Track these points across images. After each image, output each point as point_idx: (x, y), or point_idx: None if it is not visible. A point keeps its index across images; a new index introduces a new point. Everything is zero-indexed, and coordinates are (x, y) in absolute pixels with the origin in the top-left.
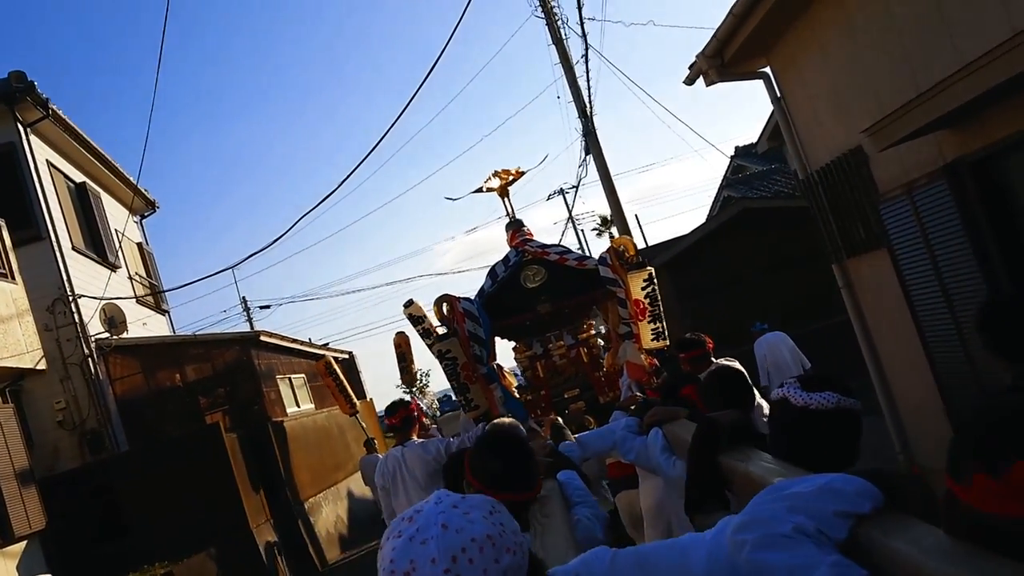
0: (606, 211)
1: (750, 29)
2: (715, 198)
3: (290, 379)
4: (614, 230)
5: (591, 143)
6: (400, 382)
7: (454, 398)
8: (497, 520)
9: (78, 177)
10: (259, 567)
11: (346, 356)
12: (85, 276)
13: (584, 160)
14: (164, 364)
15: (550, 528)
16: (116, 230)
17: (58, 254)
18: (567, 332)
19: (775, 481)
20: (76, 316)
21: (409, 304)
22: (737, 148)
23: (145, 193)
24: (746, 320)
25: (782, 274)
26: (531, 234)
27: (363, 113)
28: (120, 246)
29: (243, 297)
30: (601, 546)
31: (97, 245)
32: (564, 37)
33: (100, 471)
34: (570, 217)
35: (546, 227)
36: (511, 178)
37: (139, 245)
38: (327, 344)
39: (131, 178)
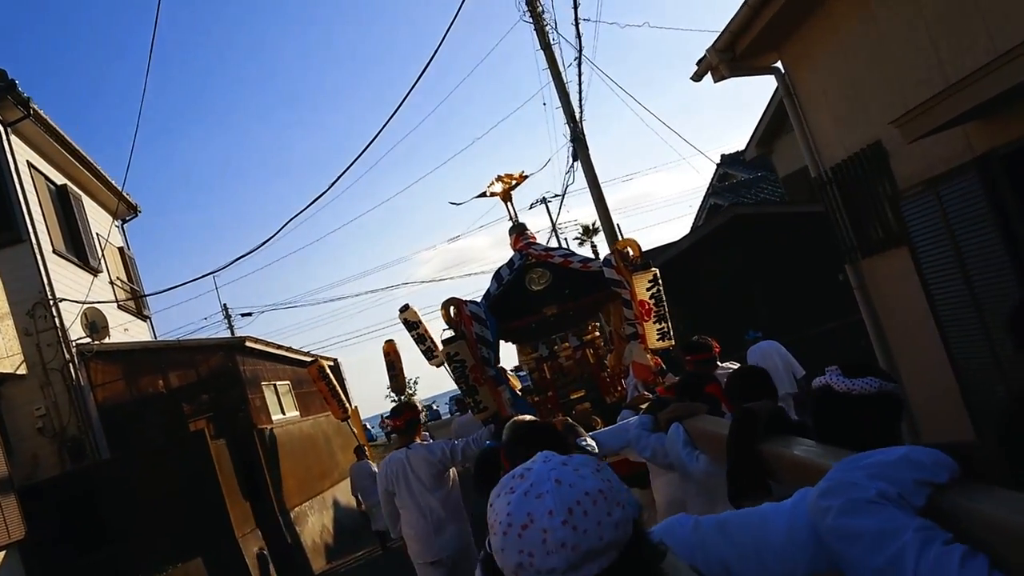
0: (588, 220)
1: (766, 20)
2: (701, 206)
3: (275, 386)
4: (596, 238)
5: (579, 149)
6: (389, 390)
7: (436, 407)
8: (605, 476)
9: (59, 179)
10: None
11: (331, 363)
12: (66, 280)
13: (571, 166)
14: (147, 370)
15: None
16: (98, 234)
17: (39, 257)
18: (572, 334)
19: (827, 463)
20: (57, 320)
21: (404, 309)
22: (723, 156)
23: (127, 197)
24: (739, 328)
25: (775, 281)
26: (534, 237)
27: (348, 122)
28: (103, 250)
29: (224, 304)
30: (681, 514)
31: (78, 249)
32: (552, 42)
33: (81, 479)
34: (554, 228)
35: None
36: (514, 182)
37: (120, 250)
38: (309, 353)
39: (113, 181)
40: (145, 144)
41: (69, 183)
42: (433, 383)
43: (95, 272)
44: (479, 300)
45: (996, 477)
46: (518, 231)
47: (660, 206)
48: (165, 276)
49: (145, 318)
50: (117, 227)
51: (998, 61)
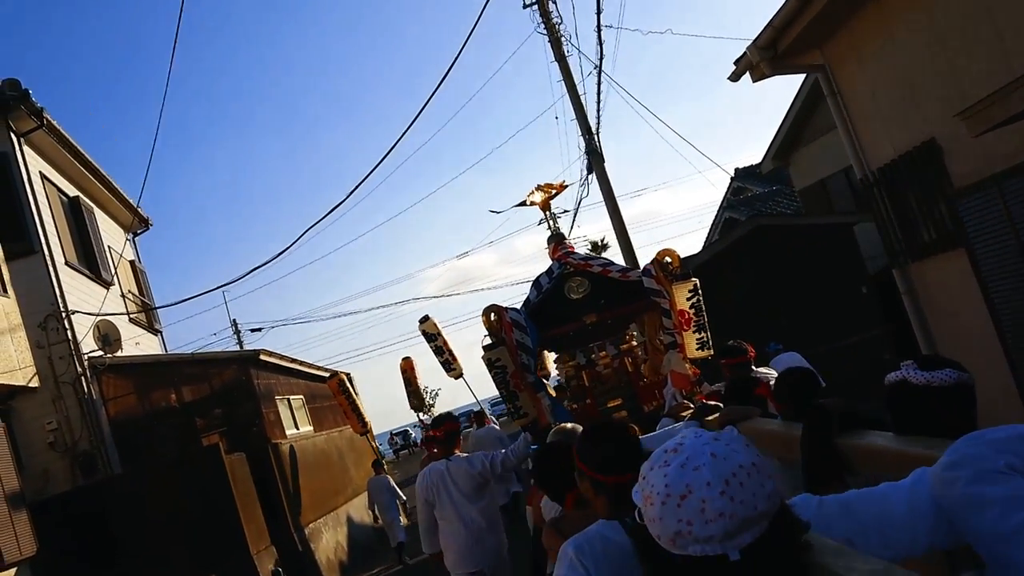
0: (596, 236)
1: (814, 13)
2: (715, 220)
3: (289, 400)
4: (605, 255)
5: (595, 162)
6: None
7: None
8: (756, 451)
9: (71, 191)
10: None
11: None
12: (78, 292)
13: (586, 179)
14: (160, 384)
15: None
16: (109, 247)
17: (51, 269)
18: (610, 343)
19: (914, 451)
20: (69, 333)
21: (424, 320)
22: (737, 170)
23: (140, 211)
24: (759, 340)
25: (796, 294)
26: (572, 247)
27: (357, 139)
28: (115, 264)
29: (233, 319)
30: (804, 494)
31: (90, 261)
32: (567, 54)
33: (93, 494)
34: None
35: (533, 254)
36: (554, 192)
37: (132, 263)
38: (324, 368)
39: (125, 194)
40: (158, 157)
41: (81, 195)
42: (448, 397)
43: (107, 285)
44: (519, 307)
45: None
46: (556, 240)
47: (669, 221)
48: (174, 291)
49: (156, 332)
50: (129, 240)
51: None
